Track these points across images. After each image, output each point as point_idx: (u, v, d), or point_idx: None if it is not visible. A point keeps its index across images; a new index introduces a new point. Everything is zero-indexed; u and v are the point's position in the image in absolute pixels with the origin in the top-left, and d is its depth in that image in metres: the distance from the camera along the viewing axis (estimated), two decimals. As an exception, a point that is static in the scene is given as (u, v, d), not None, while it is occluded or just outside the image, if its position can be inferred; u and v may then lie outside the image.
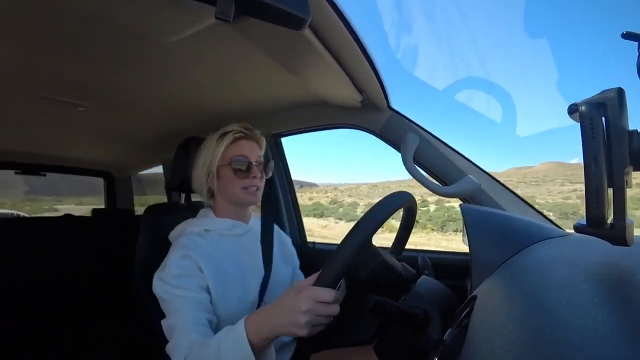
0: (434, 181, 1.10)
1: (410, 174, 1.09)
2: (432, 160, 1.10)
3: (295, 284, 0.62)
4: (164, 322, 0.77)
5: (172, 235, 0.92)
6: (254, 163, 0.89)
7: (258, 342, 0.60)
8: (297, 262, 1.10)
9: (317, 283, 0.57)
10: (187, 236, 0.85)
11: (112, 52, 0.89)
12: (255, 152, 0.91)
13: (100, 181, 2.70)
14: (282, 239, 1.07)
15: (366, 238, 0.57)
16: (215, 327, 0.78)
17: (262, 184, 0.92)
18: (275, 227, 1.07)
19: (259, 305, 0.87)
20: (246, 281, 0.87)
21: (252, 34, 0.77)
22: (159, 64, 0.96)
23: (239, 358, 0.60)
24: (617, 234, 0.35)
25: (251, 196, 0.90)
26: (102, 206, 2.70)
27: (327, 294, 0.56)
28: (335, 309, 0.57)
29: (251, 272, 0.89)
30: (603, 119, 0.35)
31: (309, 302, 0.56)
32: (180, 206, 1.18)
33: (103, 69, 0.99)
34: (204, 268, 0.80)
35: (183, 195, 1.22)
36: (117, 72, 1.01)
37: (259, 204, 0.94)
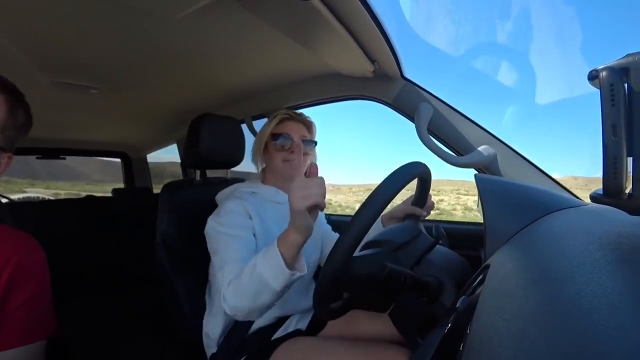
0: (449, 151, 1.08)
1: (425, 144, 1.07)
2: (446, 130, 1.08)
3: None
4: (214, 257, 0.87)
5: (220, 195, 1.04)
6: (295, 140, 0.99)
7: (286, 250, 0.69)
8: (327, 227, 1.20)
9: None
10: (238, 191, 0.99)
11: (119, 32, 0.89)
12: (299, 131, 1.01)
13: (78, 165, 2.74)
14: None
15: (385, 202, 0.58)
16: None
17: (304, 160, 1.02)
18: None
19: None
20: None
21: (259, 7, 0.75)
22: (168, 41, 0.96)
23: (272, 267, 0.69)
24: (635, 204, 0.35)
25: (289, 168, 0.99)
26: (75, 191, 2.77)
27: (312, 177, 0.67)
28: (320, 185, 0.66)
29: None
30: (625, 85, 0.34)
31: (295, 181, 0.66)
32: (196, 182, 1.21)
33: (112, 49, 0.99)
34: (253, 216, 0.91)
35: (198, 172, 1.25)
36: (126, 51, 1.01)
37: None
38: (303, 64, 1.16)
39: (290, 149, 0.99)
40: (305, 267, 0.73)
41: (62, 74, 1.14)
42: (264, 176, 1.07)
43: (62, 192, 3.49)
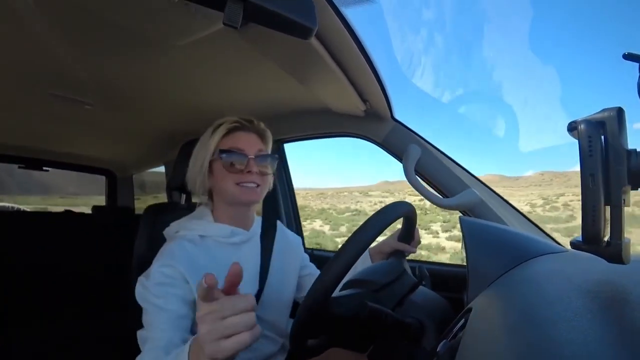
0: (435, 193, 1.10)
1: (412, 184, 1.09)
2: (433, 171, 1.11)
3: None
4: (140, 332, 0.73)
5: (166, 233, 0.86)
6: (251, 156, 0.80)
7: None
8: (305, 257, 1.05)
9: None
10: (177, 242, 0.78)
11: (121, 53, 0.91)
12: (254, 145, 0.83)
13: (50, 178, 2.67)
14: (288, 246, 1.00)
15: (360, 250, 0.56)
16: None
17: (263, 181, 0.83)
18: (284, 229, 1.04)
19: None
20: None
21: (259, 41, 0.78)
22: (167, 66, 0.98)
23: None
24: (613, 252, 0.35)
25: (247, 194, 0.80)
26: (44, 206, 2.70)
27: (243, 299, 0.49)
28: (247, 320, 0.48)
29: (247, 284, 0.83)
30: (602, 137, 0.36)
31: (204, 321, 0.47)
32: (180, 206, 1.18)
33: (111, 68, 1.00)
34: (190, 279, 0.73)
35: (184, 197, 1.23)
36: (125, 72, 1.03)
37: (259, 203, 0.87)
38: (297, 98, 1.19)
39: (245, 169, 0.79)
40: None
41: (59, 87, 1.14)
42: (214, 208, 0.86)
43: (30, 207, 3.33)
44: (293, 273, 1.00)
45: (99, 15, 0.72)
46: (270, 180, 0.87)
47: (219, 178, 0.81)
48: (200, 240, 0.80)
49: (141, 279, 0.76)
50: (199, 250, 0.78)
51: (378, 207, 0.67)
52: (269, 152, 0.87)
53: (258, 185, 0.82)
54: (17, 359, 1.57)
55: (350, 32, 0.73)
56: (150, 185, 3.08)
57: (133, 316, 1.03)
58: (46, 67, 0.99)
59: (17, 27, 0.78)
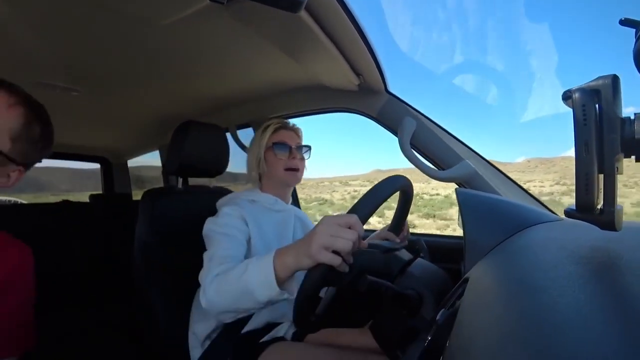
0: (431, 165, 1.10)
1: (407, 158, 1.09)
2: (429, 144, 1.11)
3: None
4: (205, 253, 0.84)
5: (220, 202, 1.03)
6: (294, 147, 1.03)
7: (281, 270, 0.64)
8: None
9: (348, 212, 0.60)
10: (237, 198, 1.00)
11: (105, 35, 0.87)
12: (294, 139, 1.05)
13: (41, 174, 2.62)
14: (305, 226, 1.15)
15: (391, 189, 0.61)
16: None
17: (302, 165, 1.05)
18: (305, 214, 1.19)
19: None
20: (282, 245, 0.94)
21: (247, 17, 0.76)
22: (154, 47, 0.95)
23: (261, 277, 0.64)
24: (606, 219, 0.36)
25: (291, 176, 1.03)
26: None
27: (349, 217, 0.58)
28: (353, 234, 0.57)
29: (286, 240, 1.01)
30: (596, 105, 0.36)
31: (327, 222, 0.58)
32: (177, 190, 1.18)
33: (98, 52, 0.97)
34: (249, 224, 0.92)
35: (180, 180, 1.22)
36: (111, 55, 0.99)
37: (294, 185, 1.11)
38: (289, 75, 1.17)
39: (291, 156, 1.02)
40: (294, 291, 0.67)
41: (43, 74, 1.11)
42: (262, 185, 1.08)
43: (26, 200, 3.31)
44: None
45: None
46: (304, 166, 1.08)
47: (271, 164, 1.03)
48: (251, 203, 1.01)
49: (210, 218, 0.92)
50: (251, 208, 0.98)
51: (348, 196, 0.71)
52: (303, 144, 1.09)
53: (298, 170, 1.04)
54: None
55: (341, 5, 0.71)
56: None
57: (138, 299, 1.05)
58: (29, 54, 0.96)
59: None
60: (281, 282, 0.64)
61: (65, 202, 2.32)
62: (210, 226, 0.89)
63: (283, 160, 1.02)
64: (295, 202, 1.69)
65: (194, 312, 0.97)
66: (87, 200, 2.47)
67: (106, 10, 0.75)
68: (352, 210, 0.59)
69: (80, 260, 2.14)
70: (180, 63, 1.07)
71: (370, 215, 0.60)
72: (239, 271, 0.68)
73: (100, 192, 2.75)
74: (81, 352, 1.64)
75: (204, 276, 0.76)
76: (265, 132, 1.04)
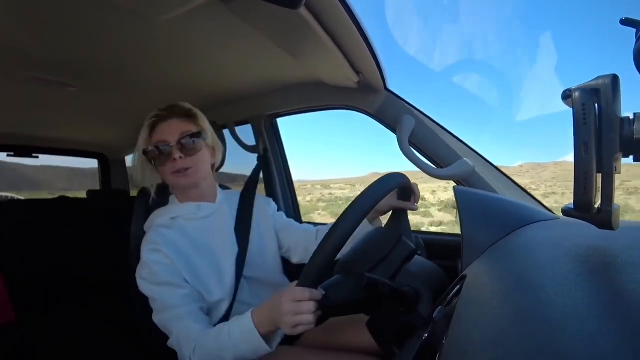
0: (429, 163, 1.10)
1: (406, 155, 1.09)
2: (427, 142, 1.10)
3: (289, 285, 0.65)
4: (156, 318, 0.80)
5: (145, 227, 0.93)
6: (173, 144, 0.83)
7: (263, 331, 0.67)
8: (279, 219, 1.07)
9: (299, 283, 0.61)
10: (153, 230, 0.86)
11: (102, 31, 0.87)
12: (175, 131, 0.84)
13: (38, 173, 2.61)
14: (260, 207, 1.04)
15: (346, 236, 0.58)
16: (207, 313, 0.82)
17: (193, 161, 0.85)
18: (258, 196, 1.07)
19: (238, 281, 0.88)
20: (218, 261, 0.88)
21: (246, 13, 0.75)
22: (152, 43, 0.94)
23: (250, 345, 0.67)
24: (604, 218, 0.36)
25: (183, 178, 0.84)
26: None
27: (302, 292, 0.59)
28: (310, 306, 0.59)
29: (223, 251, 0.90)
30: (596, 105, 0.36)
31: (287, 303, 0.60)
32: None
33: (94, 48, 0.96)
34: (174, 260, 0.81)
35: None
36: (109, 51, 0.99)
37: (198, 182, 0.90)
38: (288, 71, 1.16)
39: (171, 157, 0.83)
40: (279, 338, 0.73)
41: (39, 69, 1.10)
42: (175, 192, 0.94)
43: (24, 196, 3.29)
44: (269, 232, 1.03)
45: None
46: (206, 157, 0.89)
47: (160, 172, 0.87)
48: (171, 222, 0.87)
49: (139, 273, 0.82)
50: (173, 232, 0.85)
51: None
52: (200, 129, 0.88)
53: (188, 169, 0.84)
54: (18, 346, 1.60)
55: (341, 2, 0.71)
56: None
57: (134, 297, 1.05)
58: (24, 50, 0.95)
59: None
60: (266, 337, 0.68)
61: (63, 198, 2.31)
62: (146, 285, 0.81)
63: (166, 165, 0.83)
64: (290, 191, 1.66)
65: None
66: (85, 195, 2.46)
67: (104, 5, 0.75)
68: (303, 277, 0.60)
69: (76, 255, 2.13)
70: (179, 59, 1.06)
71: (326, 270, 0.60)
72: (222, 341, 0.69)
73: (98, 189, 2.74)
74: (77, 347, 1.64)
75: (177, 348, 0.76)
76: (144, 132, 0.87)
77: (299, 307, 0.59)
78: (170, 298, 0.78)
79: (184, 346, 0.73)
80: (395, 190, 0.85)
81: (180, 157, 0.83)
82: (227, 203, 0.98)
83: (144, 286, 0.81)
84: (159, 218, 0.88)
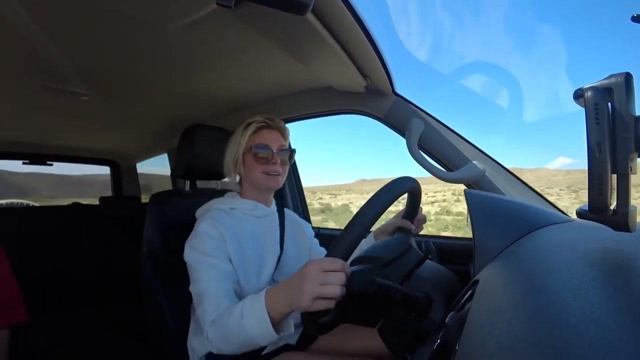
0: (439, 167, 1.09)
1: (415, 159, 1.08)
2: (437, 145, 1.10)
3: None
4: (192, 288, 0.82)
5: (198, 212, 0.99)
6: (275, 150, 0.94)
7: (275, 315, 0.65)
8: (315, 241, 1.14)
9: (328, 254, 0.58)
10: (213, 210, 0.93)
11: (113, 40, 0.89)
12: (277, 140, 0.96)
13: (24, 180, 2.63)
14: (298, 227, 1.11)
15: (375, 216, 0.58)
16: (239, 296, 0.83)
17: (283, 169, 0.98)
18: (295, 215, 1.15)
19: (271, 282, 0.92)
20: (263, 258, 0.93)
21: (254, 20, 0.76)
22: (162, 51, 0.96)
23: (259, 329, 0.65)
24: (620, 220, 0.35)
25: (271, 181, 0.95)
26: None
27: (332, 262, 0.57)
28: (340, 277, 0.56)
29: (269, 250, 0.96)
30: (609, 104, 0.35)
31: (314, 272, 0.57)
32: (185, 193, 1.19)
33: (105, 57, 0.99)
34: (226, 238, 0.87)
35: (188, 183, 1.23)
36: (119, 60, 1.01)
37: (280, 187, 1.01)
38: (296, 77, 1.17)
39: (271, 161, 0.94)
40: (292, 326, 0.68)
41: (52, 79, 1.13)
42: (242, 189, 1.02)
43: (38, 202, 3.33)
44: (304, 248, 1.09)
45: (89, 1, 0.71)
46: (287, 170, 1.02)
47: (250, 168, 0.95)
48: (230, 211, 0.95)
49: (188, 242, 0.88)
50: (230, 218, 0.92)
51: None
52: (287, 146, 1.01)
53: (279, 174, 0.96)
54: (31, 348, 1.63)
55: (347, 6, 0.71)
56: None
57: (145, 303, 1.06)
58: (37, 59, 0.98)
59: (5, 18, 0.76)
60: (277, 323, 0.66)
61: (76, 205, 2.36)
62: (191, 252, 0.85)
63: (262, 165, 0.94)
64: (300, 199, 1.68)
65: (192, 323, 0.96)
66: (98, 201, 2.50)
67: (115, 15, 0.77)
68: (333, 248, 0.58)
69: (89, 261, 2.17)
70: (188, 66, 1.08)
71: (351, 252, 0.59)
72: (236, 319, 0.68)
73: (92, 198, 2.78)
74: (89, 352, 1.66)
75: (202, 318, 0.76)
76: (245, 132, 0.95)
77: (327, 277, 0.56)
78: (211, 271, 0.81)
79: (207, 318, 0.74)
80: (401, 212, 0.93)
81: (278, 163, 0.95)
82: (278, 212, 1.06)
83: (189, 254, 0.85)
84: (219, 204, 0.95)
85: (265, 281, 0.91)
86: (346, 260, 0.58)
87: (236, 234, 0.89)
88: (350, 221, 0.58)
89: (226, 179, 1.27)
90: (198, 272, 0.82)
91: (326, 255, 0.58)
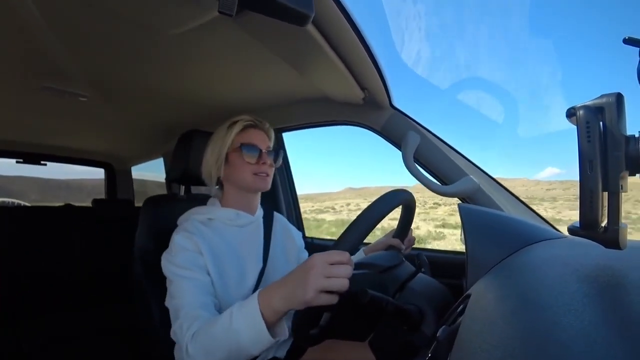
0: (434, 180, 1.10)
1: (411, 172, 1.09)
2: (432, 159, 1.11)
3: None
4: (168, 302, 0.78)
5: (179, 220, 0.94)
6: (264, 151, 0.91)
7: (270, 315, 0.59)
8: (301, 258, 1.07)
9: (333, 247, 0.57)
10: (190, 221, 0.88)
11: (115, 43, 0.89)
12: (265, 141, 0.93)
13: (9, 183, 2.61)
14: (289, 234, 1.06)
15: (381, 215, 0.59)
16: (218, 310, 0.79)
17: (271, 171, 0.94)
18: (287, 222, 1.10)
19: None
20: (244, 269, 0.88)
21: (255, 29, 0.77)
22: (162, 56, 0.96)
23: (251, 332, 0.59)
24: (610, 237, 0.35)
25: (260, 182, 0.91)
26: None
27: (340, 254, 0.55)
28: (347, 270, 0.54)
29: (251, 261, 0.91)
30: (600, 123, 0.36)
31: (321, 264, 0.54)
32: (179, 197, 1.19)
33: (106, 59, 0.99)
34: (203, 250, 0.82)
35: (182, 188, 1.23)
36: (119, 63, 1.01)
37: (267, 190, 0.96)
38: (294, 87, 1.18)
39: (260, 161, 0.90)
40: (287, 331, 0.63)
41: (52, 79, 1.13)
42: (223, 195, 0.96)
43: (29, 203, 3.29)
44: (293, 259, 1.03)
45: (91, 3, 0.71)
46: (273, 172, 0.97)
47: (237, 168, 0.90)
48: (208, 222, 0.90)
49: (164, 255, 0.84)
50: (209, 229, 0.87)
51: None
52: (272, 148, 0.97)
53: (267, 175, 0.92)
54: (22, 352, 1.59)
55: (347, 19, 0.72)
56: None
57: (136, 306, 1.04)
58: (38, 59, 0.98)
59: (6, 18, 0.76)
60: (272, 326, 0.61)
61: (68, 206, 2.33)
62: (168, 266, 0.81)
63: (251, 165, 0.89)
64: (294, 205, 1.67)
65: (176, 347, 0.84)
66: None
67: (117, 19, 0.77)
68: (339, 241, 0.57)
69: (81, 263, 2.13)
70: (188, 72, 1.08)
71: (357, 246, 0.58)
72: (224, 326, 0.62)
73: (88, 200, 2.76)
74: (80, 354, 1.63)
75: (179, 333, 0.70)
76: (231, 130, 0.90)
77: (333, 269, 0.53)
78: (186, 283, 0.77)
79: (185, 332, 0.68)
80: (392, 232, 0.95)
81: (267, 164, 0.91)
82: (264, 219, 1.01)
83: (164, 267, 0.82)
84: (197, 215, 0.91)
85: (247, 293, 0.84)
86: (352, 255, 0.57)
87: (212, 246, 0.84)
88: (358, 217, 0.58)
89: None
90: (173, 285, 0.78)
91: (331, 249, 0.56)
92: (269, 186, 0.94)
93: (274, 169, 0.95)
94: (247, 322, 0.60)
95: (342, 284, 0.53)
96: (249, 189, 0.93)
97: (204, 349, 0.64)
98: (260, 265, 0.92)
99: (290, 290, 0.57)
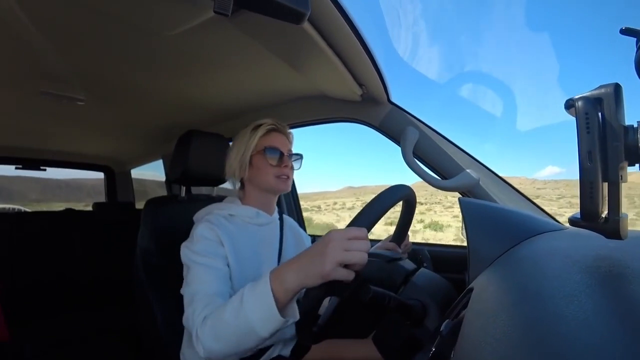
0: (434, 175, 1.10)
1: (410, 167, 1.09)
2: (431, 154, 1.11)
3: None
4: (183, 290, 0.78)
5: (196, 217, 0.95)
6: (286, 154, 0.94)
7: (281, 295, 0.58)
8: None
9: (350, 224, 0.57)
10: (212, 215, 0.90)
11: (111, 46, 0.89)
12: (286, 144, 0.96)
13: (10, 184, 2.61)
14: (299, 236, 1.09)
15: (395, 200, 0.61)
16: None
17: (292, 174, 0.97)
18: (296, 224, 1.12)
19: None
20: (261, 267, 0.90)
21: (251, 28, 0.77)
22: (158, 58, 0.96)
23: (261, 312, 0.58)
24: (611, 228, 0.36)
25: (282, 184, 0.94)
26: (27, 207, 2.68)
27: (358, 230, 0.55)
28: (366, 245, 0.54)
29: (267, 260, 0.93)
30: (599, 114, 0.36)
31: (340, 238, 0.54)
32: (180, 199, 1.19)
33: (102, 62, 0.99)
34: (224, 242, 0.84)
35: (183, 189, 1.23)
36: (116, 65, 1.01)
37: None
38: (292, 85, 1.18)
39: (282, 163, 0.93)
40: (297, 312, 0.60)
41: (49, 84, 1.13)
42: (244, 194, 0.99)
43: (30, 208, 3.30)
44: None
45: (85, 5, 0.71)
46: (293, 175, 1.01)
47: (260, 170, 0.93)
48: (230, 217, 0.92)
49: (185, 243, 0.85)
50: (230, 223, 0.90)
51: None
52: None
53: (288, 177, 0.95)
54: (25, 354, 1.60)
55: (344, 16, 0.72)
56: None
57: (138, 308, 1.05)
58: (34, 64, 0.98)
59: (2, 22, 0.76)
60: (283, 307, 0.59)
61: (69, 210, 2.34)
62: (187, 254, 0.81)
63: (273, 167, 0.92)
64: (295, 205, 1.68)
65: (185, 333, 0.91)
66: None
67: (112, 21, 0.77)
68: (356, 219, 0.58)
69: (82, 266, 2.14)
70: (185, 73, 1.08)
71: (373, 225, 0.59)
72: (234, 307, 0.61)
73: (85, 203, 2.76)
74: (82, 357, 1.63)
75: (190, 319, 0.69)
76: (255, 133, 0.93)
77: (352, 244, 0.53)
78: (205, 270, 0.78)
79: (197, 317, 0.67)
80: (389, 237, 0.95)
81: (289, 167, 0.95)
82: (277, 219, 1.03)
83: (184, 255, 0.82)
84: (219, 210, 0.92)
85: None
86: (368, 230, 0.57)
87: (233, 240, 0.85)
88: (373, 199, 0.59)
89: (222, 185, 1.27)
90: (190, 272, 0.78)
91: (348, 226, 0.56)
92: (289, 188, 0.97)
93: (293, 172, 0.98)
94: (258, 301, 0.59)
95: (362, 257, 0.53)
96: (271, 190, 0.96)
97: (214, 332, 0.63)
98: (275, 265, 0.94)
99: (305, 264, 0.56)
